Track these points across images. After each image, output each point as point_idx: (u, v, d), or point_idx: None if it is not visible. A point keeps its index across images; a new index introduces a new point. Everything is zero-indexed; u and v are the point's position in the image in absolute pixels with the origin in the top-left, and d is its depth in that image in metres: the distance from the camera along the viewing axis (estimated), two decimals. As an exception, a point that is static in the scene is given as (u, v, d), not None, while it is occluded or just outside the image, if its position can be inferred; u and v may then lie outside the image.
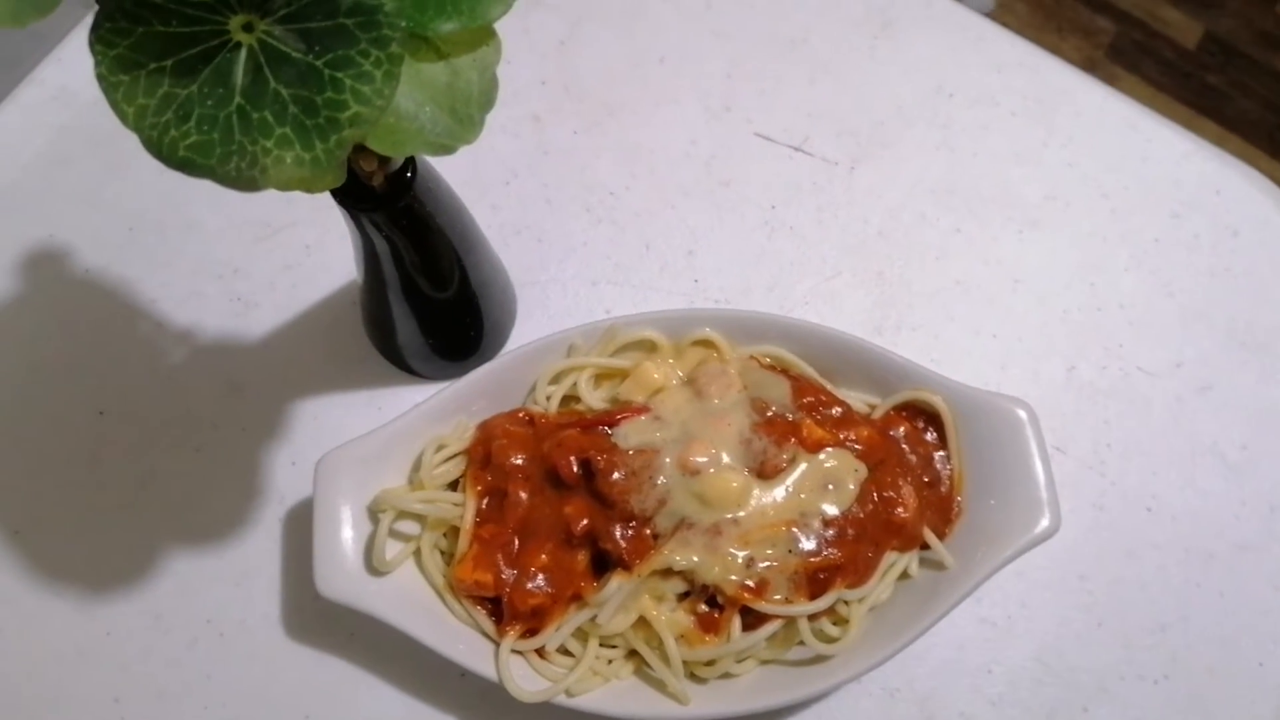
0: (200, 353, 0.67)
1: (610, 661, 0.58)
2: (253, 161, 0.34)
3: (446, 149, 0.37)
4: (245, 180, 0.34)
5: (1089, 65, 1.75)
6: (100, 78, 0.37)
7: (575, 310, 0.70)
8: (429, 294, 0.61)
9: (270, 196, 0.72)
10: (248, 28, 0.35)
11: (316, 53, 0.34)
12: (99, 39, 0.37)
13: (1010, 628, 0.64)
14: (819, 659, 0.58)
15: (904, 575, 0.60)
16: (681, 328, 0.63)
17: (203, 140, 0.35)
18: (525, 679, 0.56)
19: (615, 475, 0.57)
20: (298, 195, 0.77)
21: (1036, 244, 0.74)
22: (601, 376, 0.64)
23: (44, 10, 0.35)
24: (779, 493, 0.58)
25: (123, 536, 0.63)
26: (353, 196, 0.51)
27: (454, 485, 0.60)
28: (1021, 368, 0.71)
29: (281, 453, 0.65)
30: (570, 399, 0.63)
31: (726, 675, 0.58)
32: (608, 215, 0.73)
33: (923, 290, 0.72)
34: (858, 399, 0.64)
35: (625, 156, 0.75)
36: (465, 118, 0.37)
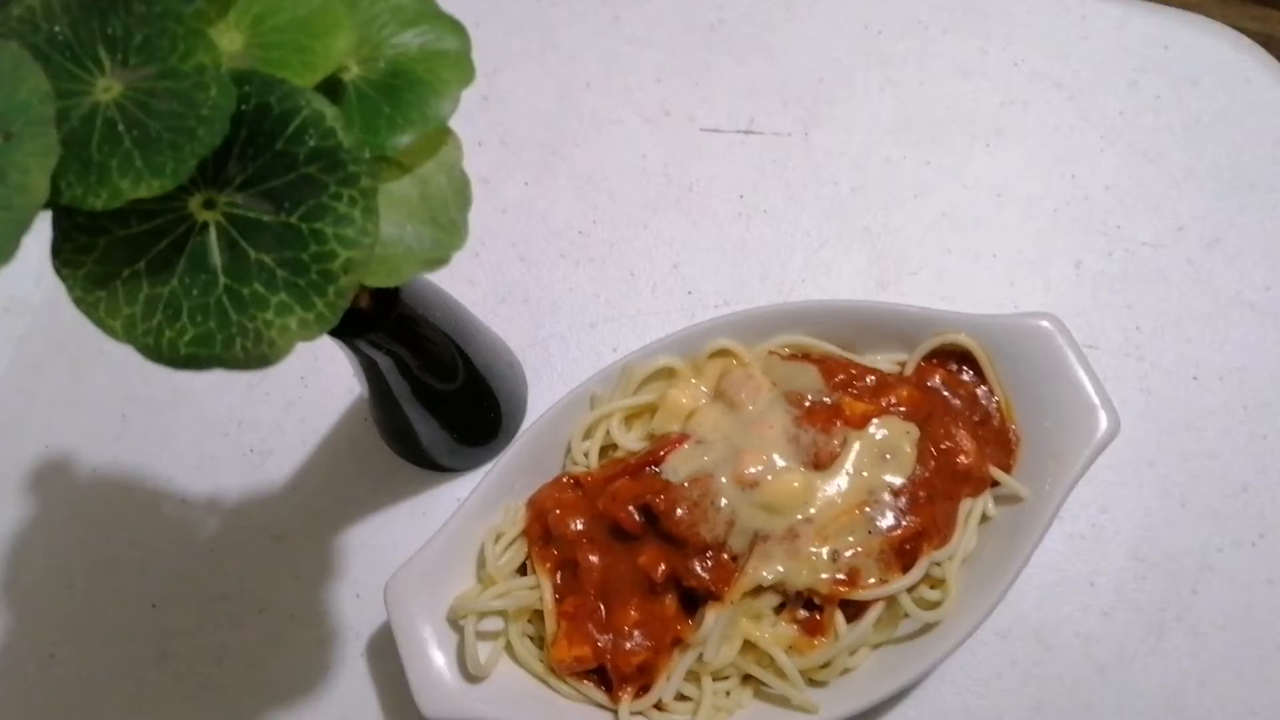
0: (231, 514, 0.68)
1: (729, 694, 0.59)
2: (258, 338, 0.35)
3: (440, 261, 0.38)
4: (257, 358, 0.35)
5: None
6: (78, 301, 0.37)
7: (582, 359, 0.71)
8: (440, 390, 0.61)
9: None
10: (209, 204, 0.36)
11: (287, 209, 0.35)
12: (64, 262, 0.37)
13: (1098, 535, 0.65)
14: (928, 627, 0.59)
15: (984, 519, 0.61)
16: (693, 344, 0.64)
17: (200, 332, 0.35)
18: (650, 737, 0.57)
19: (678, 512, 0.57)
20: None
21: (1007, 153, 0.75)
22: (631, 417, 0.65)
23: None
24: (841, 479, 0.59)
25: (212, 720, 0.64)
26: (345, 327, 0.51)
27: (522, 570, 0.61)
28: (1031, 279, 0.72)
29: (343, 589, 0.66)
30: (607, 449, 0.64)
31: (845, 672, 0.59)
32: (583, 255, 0.73)
33: (912, 233, 0.73)
34: (886, 361, 0.64)
35: (582, 191, 0.75)
36: (448, 224, 0.38)
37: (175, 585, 0.66)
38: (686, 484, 0.58)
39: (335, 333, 0.51)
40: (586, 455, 0.63)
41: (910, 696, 0.62)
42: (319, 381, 0.70)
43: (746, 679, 0.59)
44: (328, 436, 0.69)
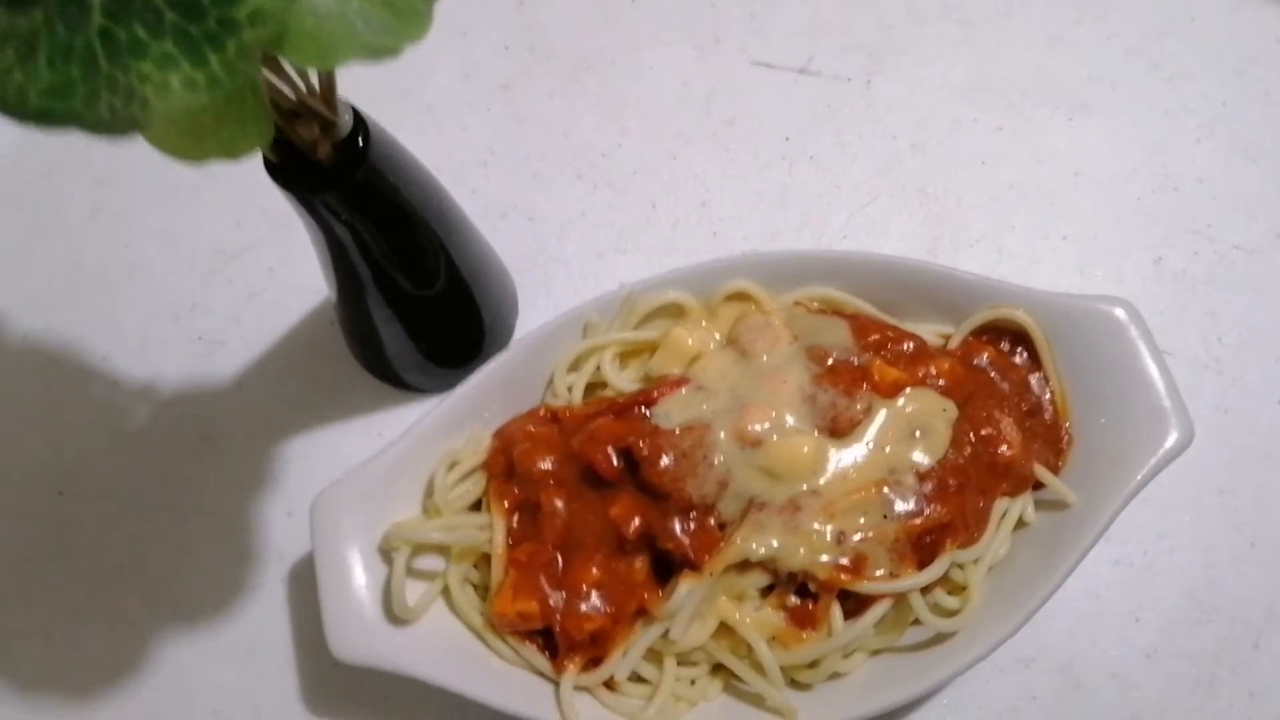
0: (165, 406, 0.59)
1: (693, 682, 0.49)
2: (129, 95, 0.26)
3: (388, 50, 0.29)
4: (123, 121, 0.26)
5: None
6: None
7: (584, 289, 0.62)
8: (411, 291, 0.52)
9: (222, 221, 0.64)
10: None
11: (190, -65, 0.26)
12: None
13: (1150, 565, 0.55)
14: (939, 638, 0.49)
15: (1020, 524, 0.51)
16: (710, 283, 0.55)
17: (60, 81, 0.26)
18: (592, 716, 0.47)
19: (663, 461, 0.48)
20: (252, 216, 0.69)
21: (1091, 130, 0.66)
22: (627, 355, 0.55)
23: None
24: (859, 450, 0.49)
25: (104, 632, 0.55)
26: (297, 176, 0.42)
27: (477, 506, 0.52)
28: (1103, 269, 0.62)
29: (274, 504, 0.57)
30: (595, 387, 0.55)
31: (834, 676, 0.49)
32: (603, 178, 0.65)
33: (974, 201, 0.64)
34: (928, 331, 0.55)
35: (612, 112, 0.66)
36: (406, 7, 0.29)
37: (88, 474, 0.58)
38: (678, 431, 0.49)
39: (285, 184, 0.43)
40: (570, 390, 0.54)
41: (900, 713, 0.52)
42: (289, 275, 0.62)
43: (717, 669, 0.50)
44: (287, 335, 0.61)
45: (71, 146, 0.65)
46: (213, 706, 0.53)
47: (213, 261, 0.63)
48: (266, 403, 0.59)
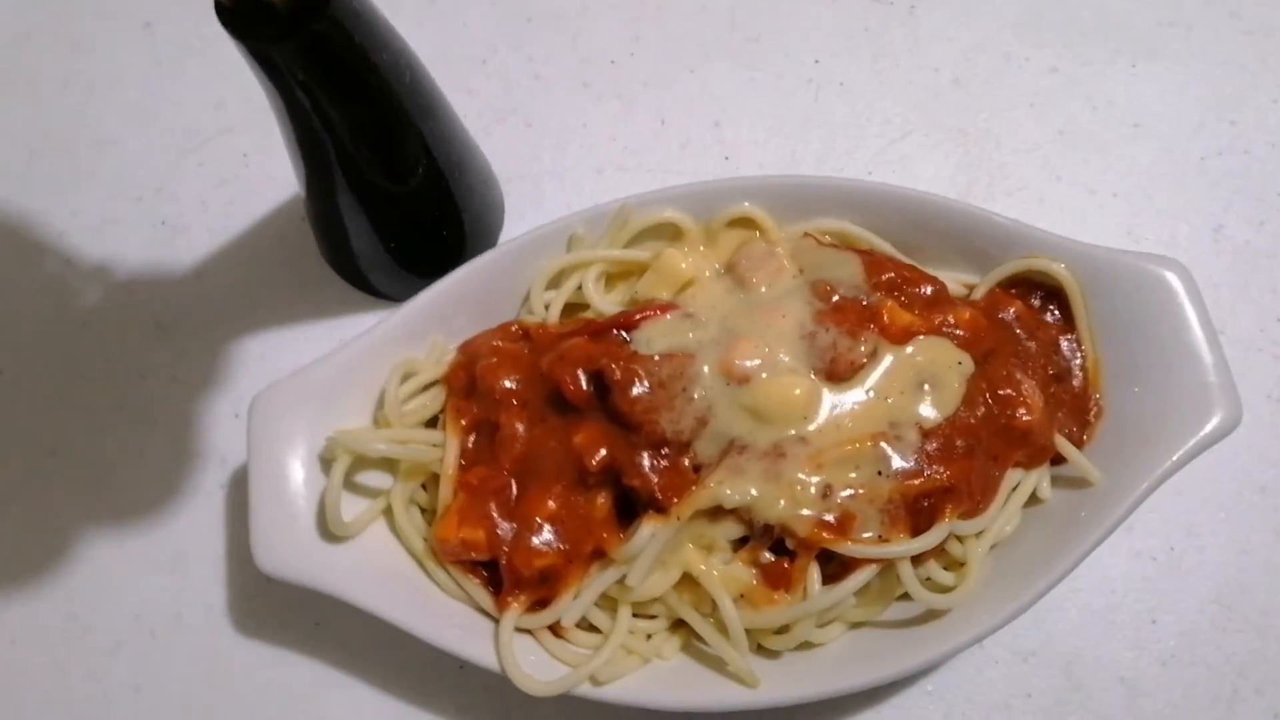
0: (119, 290, 0.55)
1: (650, 637, 0.44)
2: None
3: None
4: None
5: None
6: None
7: (577, 205, 0.56)
8: (381, 181, 0.47)
9: (200, 102, 0.59)
10: None
11: None
12: None
13: (1176, 562, 0.49)
14: (928, 616, 0.44)
15: (1033, 500, 0.46)
16: (712, 204, 0.49)
17: None
18: (537, 665, 0.43)
19: (636, 388, 0.43)
20: (232, 99, 0.62)
21: (1155, 79, 0.59)
22: (614, 276, 0.50)
23: None
24: (858, 397, 0.44)
25: (27, 520, 0.51)
26: (250, 22, 0.37)
27: (433, 424, 0.47)
28: (1155, 232, 0.56)
29: (221, 404, 0.52)
30: (576, 309, 0.49)
31: (805, 646, 0.44)
32: (611, 88, 0.59)
33: (1017, 145, 0.57)
34: (951, 280, 0.49)
35: (627, 17, 0.61)
36: None
37: (30, 354, 0.54)
38: (657, 358, 0.44)
39: (237, 31, 0.38)
40: (548, 308, 0.49)
41: (883, 702, 0.47)
42: (264, 163, 0.57)
43: (678, 625, 0.45)
44: (255, 227, 0.56)
45: (49, 8, 0.61)
46: (134, 611, 0.49)
47: (186, 143, 0.58)
48: (226, 296, 0.54)
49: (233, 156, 0.57)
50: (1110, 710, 0.47)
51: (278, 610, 0.49)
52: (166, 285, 0.55)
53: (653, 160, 0.57)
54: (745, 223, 0.49)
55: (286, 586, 0.43)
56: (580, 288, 0.49)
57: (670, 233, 0.50)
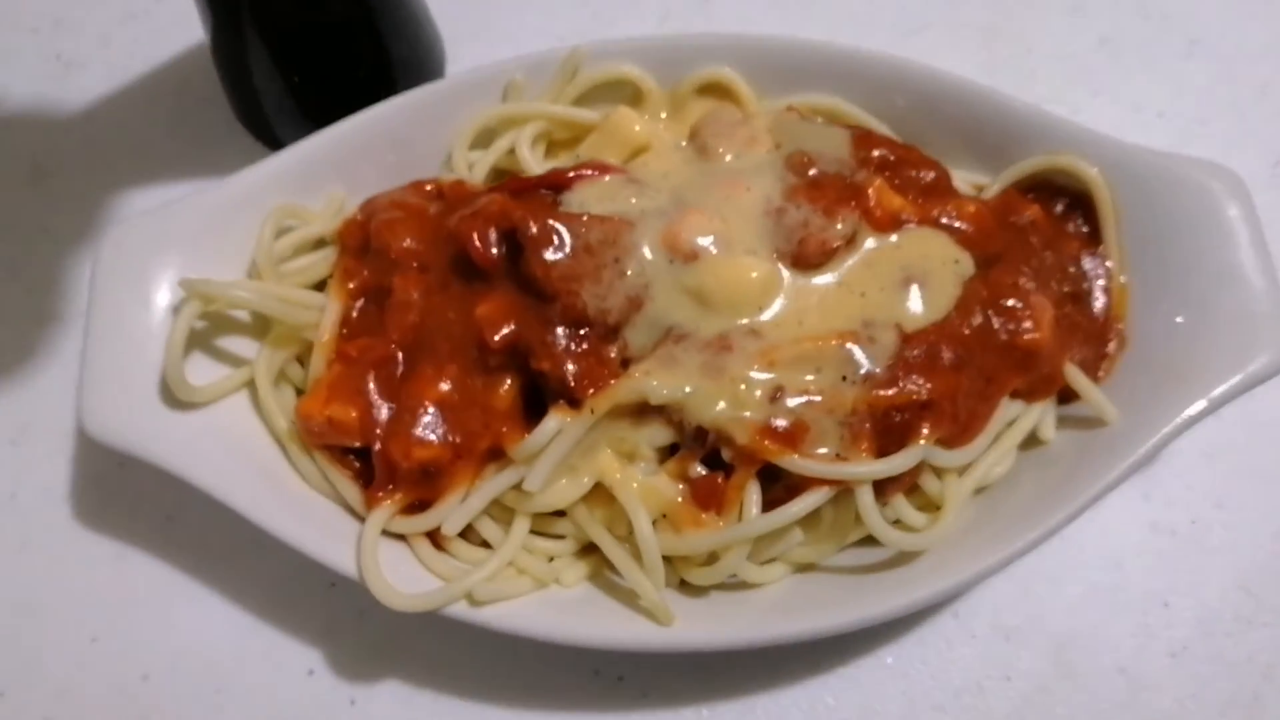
0: (1, 127, 0.48)
1: (552, 560, 0.37)
2: None
3: None
4: None
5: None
6: None
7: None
8: (296, 13, 0.40)
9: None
10: None
11: None
12: None
13: (1198, 538, 0.42)
14: (891, 563, 0.36)
15: (1033, 441, 0.38)
16: (682, 64, 0.42)
17: None
18: (407, 577, 0.35)
19: (553, 250, 0.35)
20: None
21: None
22: (558, 143, 0.43)
23: None
24: (827, 287, 0.36)
25: None
26: None
27: (321, 290, 0.40)
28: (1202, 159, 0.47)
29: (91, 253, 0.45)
30: (508, 174, 0.42)
31: (739, 585, 0.36)
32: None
33: (1051, 51, 0.50)
34: (960, 180, 0.41)
35: None
36: None
37: (-120, 188, 0.47)
38: (586, 219, 0.36)
39: None
40: (472, 169, 0.41)
41: (831, 671, 0.39)
42: (174, 2, 0.50)
43: (590, 551, 0.37)
44: (159, 69, 0.49)
45: None
46: (-45, 486, 0.42)
47: (93, -28, 0.51)
48: (117, 142, 0.48)
49: (146, -11, 0.50)
50: (1105, 705, 0.39)
51: (127, 499, 0.42)
52: (51, 125, 0.48)
53: (626, 31, 0.50)
54: (719, 91, 0.42)
55: (139, 472, 0.36)
56: (513, 149, 0.41)
57: (629, 95, 0.42)
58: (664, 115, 0.42)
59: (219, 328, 0.38)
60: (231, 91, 0.46)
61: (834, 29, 0.50)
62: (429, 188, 0.41)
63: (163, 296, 0.37)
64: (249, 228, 0.39)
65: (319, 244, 0.40)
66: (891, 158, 0.39)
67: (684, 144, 0.41)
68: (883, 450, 0.35)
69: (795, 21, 0.51)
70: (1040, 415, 0.38)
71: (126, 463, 0.37)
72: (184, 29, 0.49)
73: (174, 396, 0.36)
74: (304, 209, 0.40)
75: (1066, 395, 0.39)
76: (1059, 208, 0.41)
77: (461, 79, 0.41)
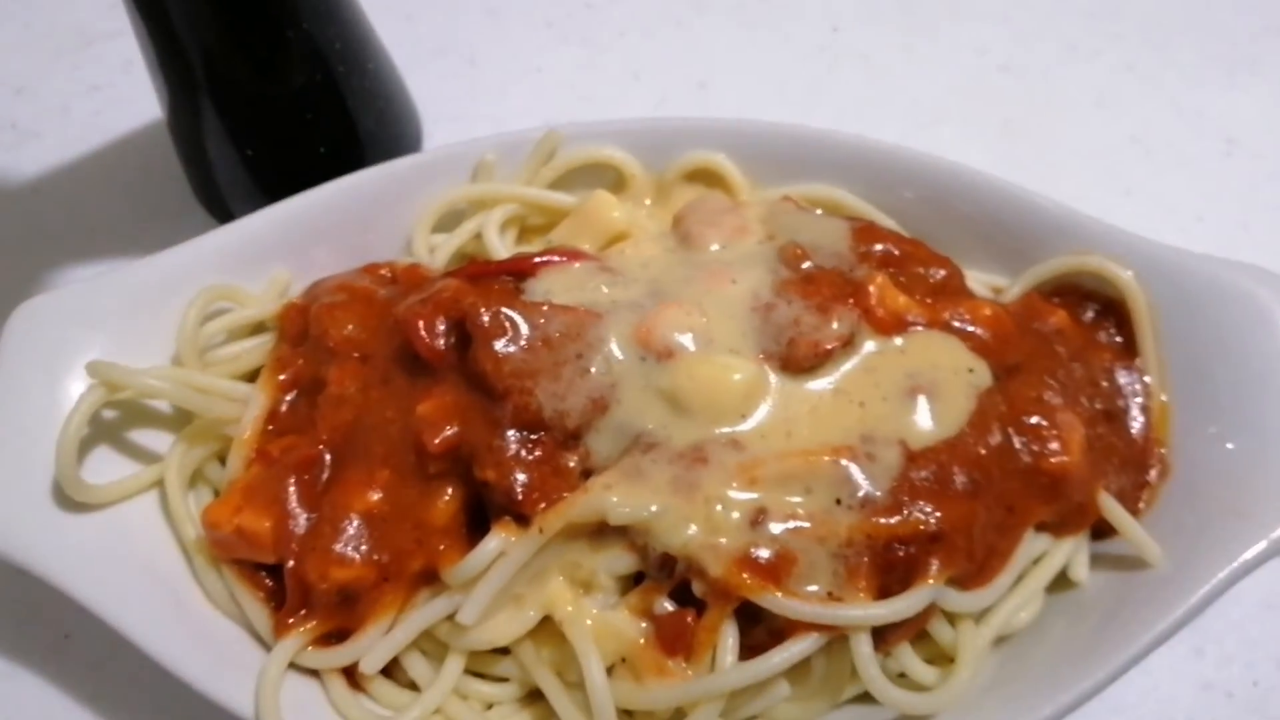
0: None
1: (491, 708, 0.31)
2: None
3: None
4: None
5: None
6: None
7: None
8: (253, 86, 0.38)
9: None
10: None
11: None
12: None
13: (1259, 702, 0.36)
14: (894, 728, 0.31)
15: (1063, 582, 0.33)
16: (667, 148, 0.40)
17: None
18: (309, 719, 0.30)
19: (505, 341, 0.31)
20: None
21: (1257, 93, 0.49)
22: (531, 229, 0.40)
23: None
24: (821, 394, 0.32)
25: None
26: None
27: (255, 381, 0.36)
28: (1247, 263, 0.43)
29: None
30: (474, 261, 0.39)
31: (709, 747, 0.31)
32: (579, 33, 0.50)
33: (1077, 148, 0.47)
34: (976, 281, 0.37)
35: (614, -42, 0.52)
36: None
37: None
38: (547, 308, 0.32)
39: None
40: (433, 253, 0.38)
41: None
42: (142, 74, 0.48)
43: (536, 698, 0.32)
44: (119, 143, 0.48)
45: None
46: None
47: (65, 41, 0.50)
48: (65, 217, 0.45)
49: (114, 63, 0.49)
50: None
51: (20, 611, 0.37)
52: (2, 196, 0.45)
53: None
54: (709, 178, 0.39)
55: (36, 581, 0.31)
56: (480, 234, 0.38)
57: (612, 181, 0.39)
58: (648, 202, 0.39)
59: (135, 420, 0.35)
60: (187, 165, 0.44)
61: (845, 115, 0.48)
62: (384, 272, 0.37)
63: (74, 381, 0.34)
64: (182, 309, 0.35)
65: (258, 330, 0.36)
66: (896, 252, 0.35)
67: (667, 232, 0.38)
68: (884, 590, 0.30)
69: (799, 113, 0.48)
70: (1071, 553, 0.33)
71: (23, 570, 0.32)
72: (146, 104, 0.47)
73: (71, 494, 0.32)
74: (241, 290, 0.36)
75: (1102, 530, 0.34)
76: (1088, 315, 0.37)
77: (427, 156, 0.39)
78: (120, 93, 0.48)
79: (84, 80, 0.49)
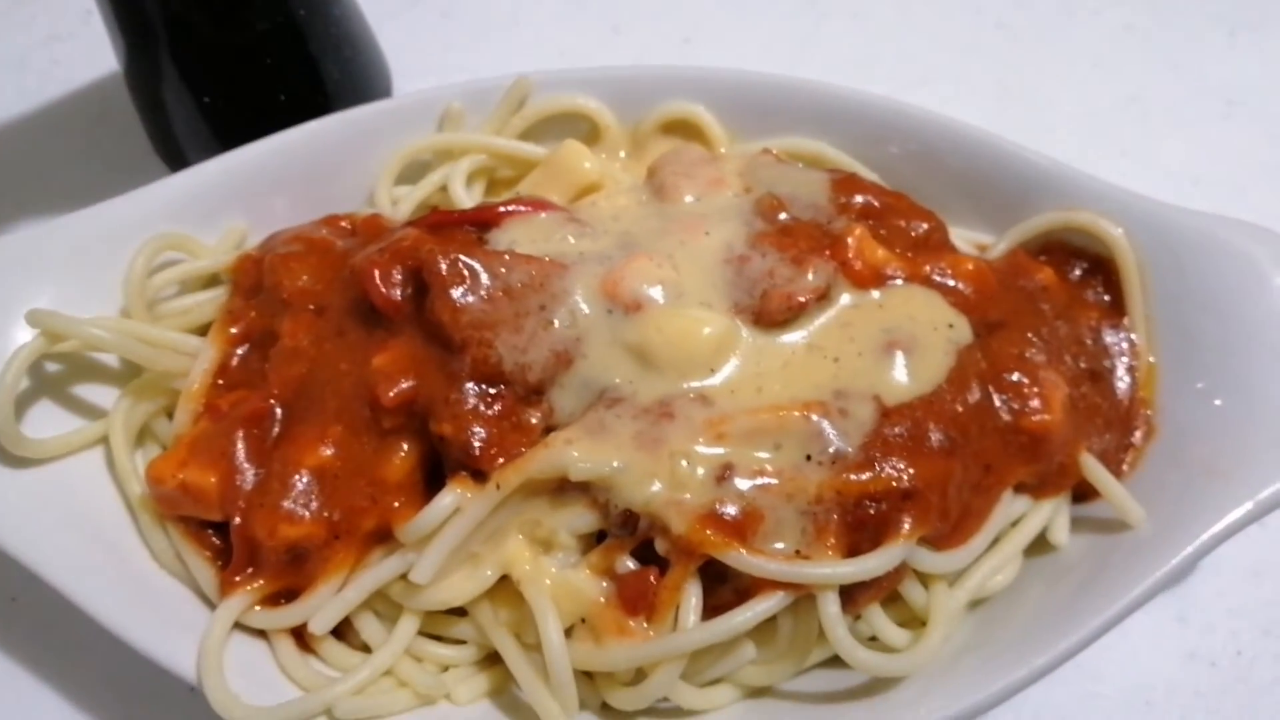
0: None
1: (446, 669, 0.31)
2: None
3: None
4: None
5: None
6: None
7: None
8: (201, 20, 0.37)
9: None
10: None
11: None
12: None
13: (1244, 672, 0.37)
14: (864, 691, 0.30)
15: (1041, 544, 0.33)
16: (642, 97, 0.39)
17: None
18: (259, 683, 0.29)
19: (462, 290, 0.30)
20: None
21: (1259, 52, 0.49)
22: (500, 182, 0.39)
23: None
24: (793, 348, 0.31)
25: None
26: None
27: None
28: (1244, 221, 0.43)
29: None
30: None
31: (672, 711, 0.30)
32: (558, -15, 0.49)
33: (1074, 109, 0.46)
34: (960, 238, 0.37)
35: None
36: None
37: None
38: (508, 256, 0.31)
39: None
40: (396, 205, 0.37)
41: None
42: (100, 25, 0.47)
43: (494, 661, 0.31)
44: (77, 93, 0.47)
45: None
46: None
47: (18, -6, 0.49)
48: (20, 166, 0.44)
49: (75, 11, 0.48)
50: None
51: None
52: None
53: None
54: (687, 130, 0.39)
55: None
56: (445, 185, 0.37)
57: (586, 132, 0.38)
58: (623, 154, 0.39)
59: (81, 373, 0.34)
60: (144, 114, 0.43)
61: (833, 71, 0.46)
62: (343, 223, 0.37)
63: (19, 332, 0.33)
64: (133, 247, 0.35)
65: (212, 283, 0.36)
66: (877, 204, 0.34)
67: (641, 184, 0.37)
68: (854, 549, 0.29)
69: (788, 58, 0.48)
70: (1051, 514, 0.33)
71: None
72: (105, 57, 0.46)
73: (7, 451, 0.31)
74: (194, 241, 0.35)
75: (1083, 492, 0.33)
76: (1075, 272, 0.37)
77: (391, 104, 0.38)
78: (79, 44, 0.47)
79: (42, 29, 0.48)
